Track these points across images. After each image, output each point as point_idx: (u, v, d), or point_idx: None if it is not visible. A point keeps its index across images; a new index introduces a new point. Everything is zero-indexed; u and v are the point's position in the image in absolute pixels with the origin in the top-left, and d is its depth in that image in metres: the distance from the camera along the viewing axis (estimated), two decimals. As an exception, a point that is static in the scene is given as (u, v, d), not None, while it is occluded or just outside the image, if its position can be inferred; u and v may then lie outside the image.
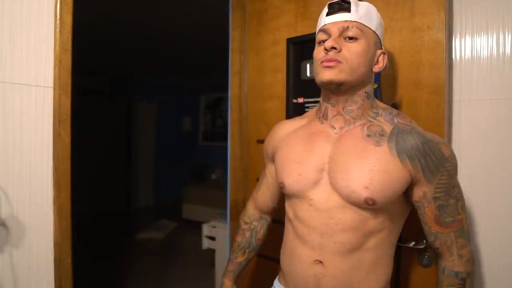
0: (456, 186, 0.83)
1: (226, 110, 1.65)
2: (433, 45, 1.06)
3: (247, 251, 1.10)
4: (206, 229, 2.56)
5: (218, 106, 6.39)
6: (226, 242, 1.87)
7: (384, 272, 0.86)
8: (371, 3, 1.16)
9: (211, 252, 2.62)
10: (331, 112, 0.87)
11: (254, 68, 1.53)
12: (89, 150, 4.60)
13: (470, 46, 1.10)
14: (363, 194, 0.78)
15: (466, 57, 1.11)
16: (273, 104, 1.46)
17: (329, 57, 0.80)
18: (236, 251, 1.11)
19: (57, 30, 1.02)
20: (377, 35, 0.85)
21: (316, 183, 0.85)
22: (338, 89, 0.82)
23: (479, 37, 1.09)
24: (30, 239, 0.99)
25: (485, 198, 1.08)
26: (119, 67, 4.81)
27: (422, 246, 1.04)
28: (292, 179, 0.88)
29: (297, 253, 0.88)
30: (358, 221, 0.81)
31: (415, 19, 1.09)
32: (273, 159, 1.00)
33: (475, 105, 1.09)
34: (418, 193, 0.81)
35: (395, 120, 0.85)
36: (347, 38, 0.81)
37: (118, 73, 5.20)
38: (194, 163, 6.49)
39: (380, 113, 0.86)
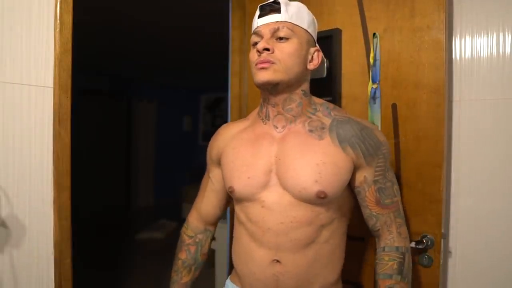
0: (390, 170, 0.89)
1: (226, 110, 1.65)
2: (433, 45, 1.05)
3: (192, 268, 1.06)
4: (206, 229, 2.56)
5: (218, 106, 6.39)
6: (226, 242, 1.87)
7: (337, 262, 0.90)
8: (371, 3, 1.17)
9: (211, 252, 2.62)
10: (272, 112, 0.89)
11: (254, 68, 1.53)
12: (89, 150, 4.60)
13: (470, 46, 1.10)
14: (314, 189, 0.80)
15: (466, 57, 1.11)
16: (273, 104, 1.46)
17: (262, 59, 0.81)
18: (180, 271, 1.06)
19: (57, 30, 1.02)
20: (309, 33, 0.87)
21: (265, 185, 0.86)
22: (275, 89, 0.84)
23: (479, 37, 1.09)
24: (30, 239, 0.99)
25: (485, 198, 1.07)
26: (119, 67, 4.81)
27: (422, 246, 1.04)
28: (242, 183, 0.87)
29: (253, 255, 0.88)
30: (311, 217, 0.83)
31: (415, 19, 1.09)
32: (218, 163, 0.98)
33: (475, 105, 1.09)
34: (359, 178, 0.86)
35: (332, 114, 0.89)
36: (279, 39, 0.83)
37: (118, 73, 5.20)
38: (194, 163, 6.49)
39: (318, 109, 0.90)
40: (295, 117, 0.87)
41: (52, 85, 1.02)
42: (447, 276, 1.13)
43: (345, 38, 1.22)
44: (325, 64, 1.09)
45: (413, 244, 1.05)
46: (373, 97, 1.14)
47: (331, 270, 0.88)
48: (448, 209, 1.13)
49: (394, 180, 0.89)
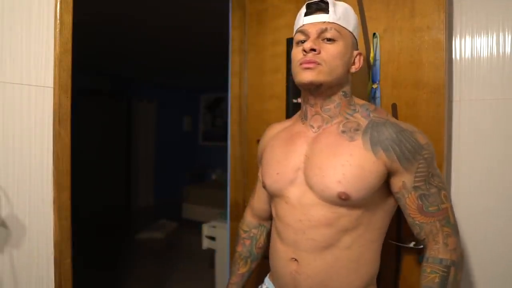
0: (437, 175, 0.82)
1: (226, 110, 1.65)
2: (433, 45, 1.05)
3: (248, 260, 1.10)
4: (206, 229, 2.56)
5: (218, 106, 6.39)
6: (226, 242, 1.87)
7: (365, 271, 0.85)
8: (371, 3, 1.17)
9: (211, 252, 2.62)
10: (310, 112, 0.90)
11: (254, 68, 1.53)
12: (89, 150, 4.60)
13: (470, 46, 1.10)
14: (336, 189, 0.78)
15: (466, 57, 1.11)
16: (273, 104, 1.46)
17: (308, 59, 0.81)
18: (237, 262, 1.10)
19: (57, 30, 1.02)
20: (354, 36, 0.87)
21: (292, 181, 0.88)
22: (317, 90, 0.84)
23: (479, 37, 1.09)
24: (30, 239, 0.99)
25: (485, 198, 1.07)
26: (119, 67, 4.81)
27: (422, 246, 1.04)
28: (272, 179, 0.91)
29: (277, 250, 0.91)
30: (331, 218, 0.81)
31: (415, 19, 1.09)
32: (261, 162, 1.03)
33: (475, 105, 1.09)
34: (397, 183, 0.81)
35: (371, 115, 0.86)
36: (325, 40, 0.82)
37: (118, 73, 5.20)
38: (194, 163, 6.49)
39: (357, 110, 0.88)
40: (332, 118, 0.87)
41: (52, 85, 1.02)
42: (447, 276, 1.13)
43: (345, 38, 1.22)
44: None
45: (413, 244, 1.05)
46: (373, 97, 1.14)
47: (355, 278, 0.83)
48: (448, 209, 1.13)
49: (442, 185, 0.82)
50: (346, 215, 0.81)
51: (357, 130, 0.84)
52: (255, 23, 1.52)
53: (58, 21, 1.02)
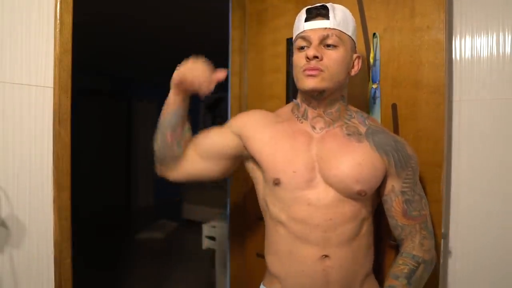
0: (419, 184, 0.93)
1: (226, 110, 1.65)
2: (433, 45, 1.05)
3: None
4: (206, 229, 2.56)
5: (218, 106, 6.39)
6: (226, 242, 1.87)
7: (372, 254, 0.95)
8: (371, 3, 1.17)
9: (211, 252, 2.62)
10: (311, 113, 0.92)
11: (254, 68, 1.53)
12: (89, 150, 4.60)
13: (470, 46, 1.10)
14: (356, 187, 0.85)
15: (466, 57, 1.11)
16: (273, 104, 1.46)
17: (311, 66, 0.83)
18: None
19: (57, 30, 1.02)
20: (353, 39, 0.89)
21: (310, 182, 0.87)
22: (320, 95, 0.87)
23: (479, 37, 1.09)
24: (30, 239, 0.99)
25: (485, 198, 1.07)
26: (119, 67, 4.81)
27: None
28: (288, 176, 0.88)
29: (299, 254, 0.88)
30: (355, 211, 0.88)
31: (415, 19, 1.09)
32: (237, 135, 0.97)
33: (475, 105, 1.09)
34: (388, 186, 0.90)
35: (367, 122, 0.93)
36: (327, 46, 0.84)
37: (118, 73, 5.20)
38: (194, 163, 6.48)
39: (353, 115, 0.94)
40: (334, 121, 0.91)
41: (52, 85, 1.02)
42: (447, 276, 1.13)
43: (345, 38, 1.22)
44: None
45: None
46: (373, 97, 1.14)
47: (369, 260, 0.93)
48: (448, 209, 1.13)
49: (423, 194, 0.93)
50: (363, 207, 0.89)
51: (360, 134, 0.90)
52: (255, 23, 1.52)
53: (58, 21, 1.02)
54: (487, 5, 1.07)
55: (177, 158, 1.01)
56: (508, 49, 1.04)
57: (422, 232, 0.90)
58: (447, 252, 1.13)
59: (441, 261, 1.04)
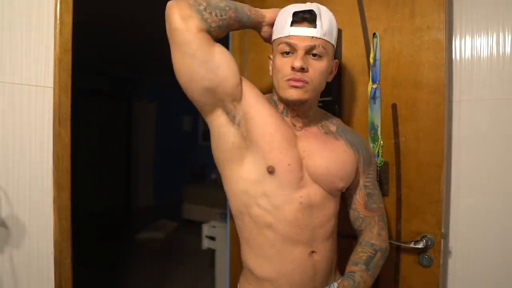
0: (377, 181, 1.02)
1: (226, 110, 1.65)
2: (433, 45, 1.05)
3: None
4: (206, 229, 2.56)
5: (218, 106, 6.38)
6: (226, 242, 1.87)
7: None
8: (371, 3, 1.17)
9: (211, 252, 2.62)
10: (291, 113, 0.92)
11: (254, 68, 1.53)
12: (89, 150, 4.60)
13: (470, 46, 1.10)
14: (341, 184, 0.91)
15: (466, 57, 1.11)
16: (273, 104, 1.46)
17: (297, 77, 0.83)
18: None
19: (57, 30, 1.02)
20: (334, 47, 0.89)
21: (300, 180, 0.87)
22: (301, 104, 0.88)
23: (479, 37, 1.09)
24: (30, 239, 0.99)
25: (485, 198, 1.08)
26: (119, 67, 4.81)
27: (422, 246, 1.04)
28: (283, 168, 0.84)
29: (290, 254, 0.87)
30: (336, 207, 0.94)
31: (415, 19, 1.09)
32: (245, 94, 0.87)
33: (475, 105, 1.09)
34: (355, 181, 0.96)
35: (334, 121, 0.99)
36: (312, 55, 0.84)
37: (118, 73, 5.20)
38: (194, 163, 6.49)
39: (323, 117, 0.99)
40: (311, 122, 0.94)
41: (52, 85, 1.02)
42: (447, 276, 1.13)
43: (345, 38, 1.22)
44: None
45: (412, 244, 1.05)
46: (373, 97, 1.14)
47: (335, 249, 0.98)
48: (448, 209, 1.13)
49: (379, 190, 1.02)
50: (338, 202, 0.96)
51: (333, 132, 0.96)
52: (255, 23, 1.52)
53: (58, 21, 1.02)
54: (487, 5, 1.07)
55: (207, 26, 0.88)
56: (508, 49, 1.04)
57: (380, 223, 0.98)
58: (447, 252, 1.13)
59: (441, 261, 1.04)
